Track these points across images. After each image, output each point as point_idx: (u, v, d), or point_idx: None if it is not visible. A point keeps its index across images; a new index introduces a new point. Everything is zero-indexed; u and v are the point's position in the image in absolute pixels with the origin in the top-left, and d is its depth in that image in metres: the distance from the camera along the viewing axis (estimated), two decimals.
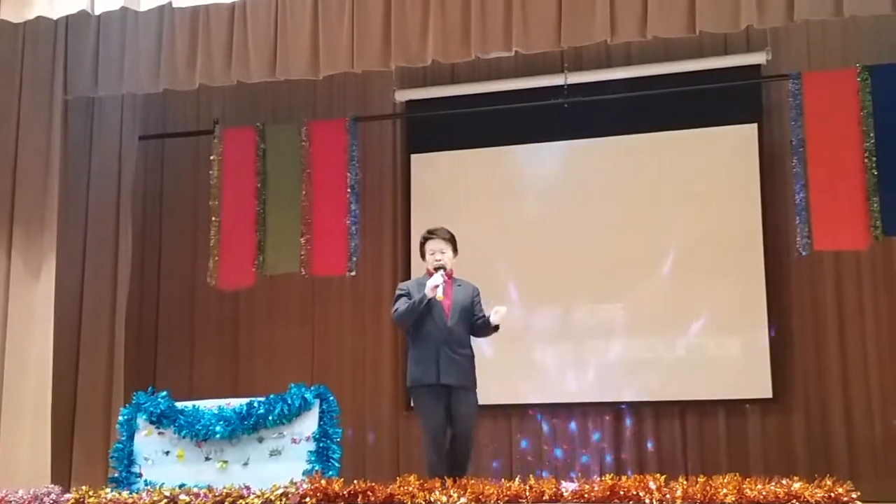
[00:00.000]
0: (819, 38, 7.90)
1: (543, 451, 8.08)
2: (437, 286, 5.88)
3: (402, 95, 8.51)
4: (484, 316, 6.07)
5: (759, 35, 7.72)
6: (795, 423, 7.67)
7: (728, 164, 7.98)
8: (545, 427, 8.12)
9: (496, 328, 6.05)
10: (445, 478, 5.38)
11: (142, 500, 5.56)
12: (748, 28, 6.78)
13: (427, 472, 5.71)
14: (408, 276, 8.41)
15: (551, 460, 8.03)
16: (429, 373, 5.92)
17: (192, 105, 8.86)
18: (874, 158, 7.05)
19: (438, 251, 6.09)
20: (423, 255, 6.18)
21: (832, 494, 4.76)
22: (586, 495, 4.95)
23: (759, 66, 7.90)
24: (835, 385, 7.64)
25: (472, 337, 6.09)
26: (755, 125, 7.95)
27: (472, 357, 6.05)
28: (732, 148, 7.98)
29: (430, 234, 6.18)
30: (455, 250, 6.16)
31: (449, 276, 6.05)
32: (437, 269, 6.01)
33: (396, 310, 6.06)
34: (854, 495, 4.78)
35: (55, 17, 6.93)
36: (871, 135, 7.09)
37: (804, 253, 7.20)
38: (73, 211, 7.77)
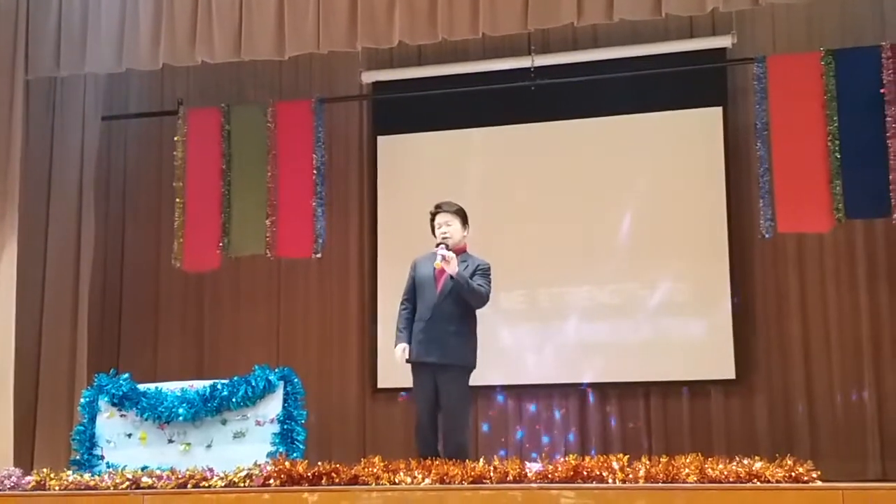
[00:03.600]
0: (784, 22, 7.95)
1: (508, 433, 8.11)
2: (440, 260, 5.87)
3: (369, 77, 8.48)
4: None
5: (725, 18, 7.75)
6: (758, 404, 7.75)
7: (693, 146, 8.02)
8: (509, 408, 8.15)
9: (461, 283, 5.87)
10: (434, 457, 5.41)
11: (104, 483, 5.51)
12: (714, 11, 6.82)
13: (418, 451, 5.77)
14: (374, 258, 8.44)
15: (515, 442, 8.06)
16: (417, 350, 5.95)
17: (155, 85, 8.77)
18: (837, 142, 7.10)
19: (445, 224, 6.05)
20: (433, 231, 6.12)
21: (793, 474, 4.80)
22: (550, 476, 4.95)
23: (724, 49, 7.94)
24: (797, 366, 7.72)
25: (470, 313, 5.99)
26: (720, 108, 8.00)
27: (465, 334, 5.95)
28: (697, 131, 8.02)
29: (436, 209, 6.13)
30: (464, 223, 6.10)
31: (457, 252, 5.98)
32: (439, 244, 5.97)
33: (402, 297, 6.12)
34: (815, 475, 4.82)
35: None
36: (835, 118, 7.13)
37: (768, 235, 7.25)
38: (35, 193, 7.68)
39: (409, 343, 5.98)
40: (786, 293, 7.82)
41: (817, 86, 7.22)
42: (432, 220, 6.13)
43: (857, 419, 7.53)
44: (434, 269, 5.97)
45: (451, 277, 5.89)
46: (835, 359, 7.68)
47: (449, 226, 6.05)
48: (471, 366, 6.01)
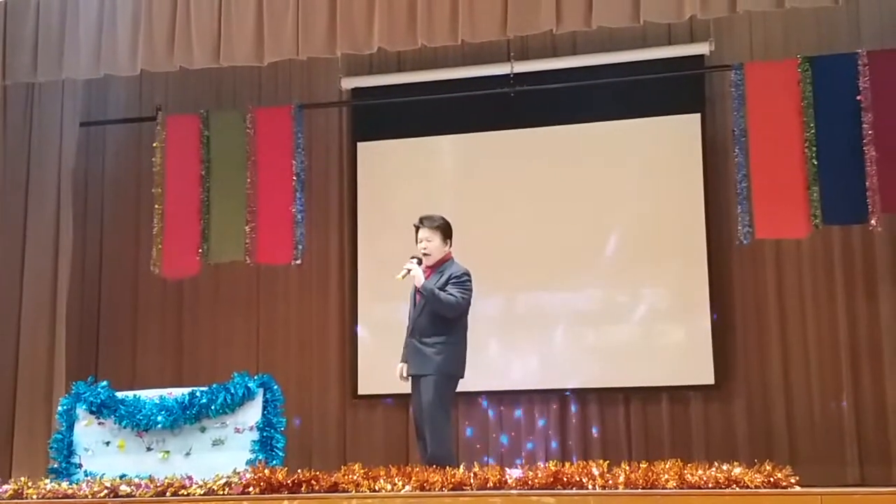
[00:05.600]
0: (761, 29, 7.98)
1: (490, 439, 8.11)
2: (405, 273, 6.01)
3: (348, 83, 8.47)
4: None
5: (703, 26, 7.78)
6: (737, 410, 7.78)
7: (671, 153, 8.05)
8: (491, 414, 8.16)
9: (428, 295, 5.94)
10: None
11: (81, 491, 5.48)
12: (692, 19, 6.85)
13: None
14: (354, 265, 8.44)
15: (497, 447, 8.07)
16: (407, 365, 6.15)
17: (134, 91, 8.73)
18: (814, 148, 7.15)
19: (425, 239, 6.12)
20: (417, 243, 6.18)
21: (772, 479, 4.83)
22: (530, 482, 4.96)
23: (702, 56, 7.97)
24: (776, 372, 7.76)
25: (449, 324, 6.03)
26: (698, 115, 8.03)
27: (443, 344, 5.97)
28: (676, 137, 8.05)
29: (418, 223, 6.18)
30: (445, 238, 6.14)
31: (439, 263, 6.08)
32: (413, 257, 6.08)
33: None
34: (793, 480, 4.86)
35: None
36: (812, 125, 7.19)
37: (746, 241, 7.29)
38: (13, 199, 7.64)
39: (406, 362, 6.21)
40: (764, 299, 7.86)
41: (794, 92, 7.27)
42: (416, 233, 6.19)
43: (835, 424, 7.57)
44: (415, 285, 6.08)
45: (421, 291, 6.00)
46: (813, 364, 7.71)
47: (429, 241, 6.10)
48: (448, 375, 6.01)
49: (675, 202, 7.97)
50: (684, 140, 8.01)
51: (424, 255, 6.09)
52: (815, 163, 7.14)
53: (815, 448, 7.55)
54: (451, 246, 6.19)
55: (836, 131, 7.13)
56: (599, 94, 8.00)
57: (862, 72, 7.12)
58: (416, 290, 6.09)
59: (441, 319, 5.99)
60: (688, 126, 8.02)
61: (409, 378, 6.13)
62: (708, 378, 7.78)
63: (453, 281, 6.03)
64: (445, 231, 6.15)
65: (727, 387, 7.81)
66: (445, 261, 6.13)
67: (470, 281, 6.08)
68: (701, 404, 7.83)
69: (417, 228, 6.16)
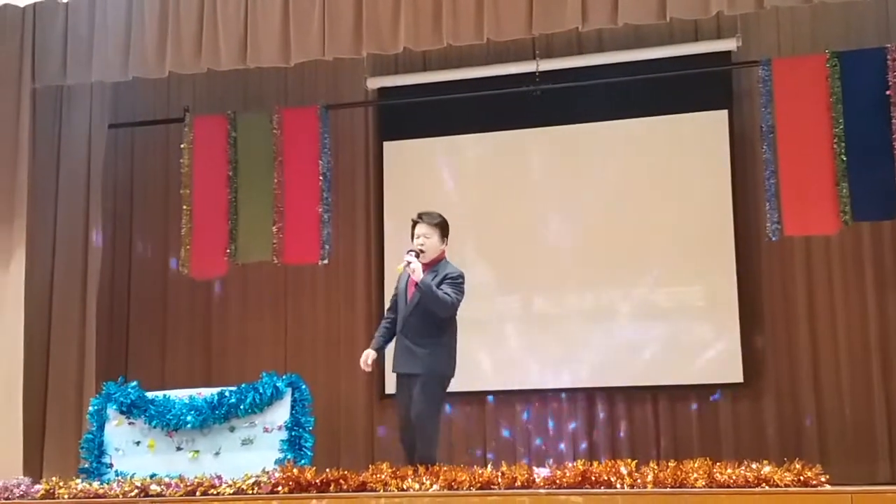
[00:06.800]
0: (789, 24, 7.93)
1: (519, 439, 8.09)
2: (405, 265, 5.99)
3: (374, 83, 8.49)
4: None
5: (730, 21, 7.74)
6: (766, 408, 7.73)
7: (698, 150, 8.01)
8: (523, 415, 8.13)
9: (424, 291, 5.90)
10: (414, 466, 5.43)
11: (112, 491, 5.54)
12: (718, 14, 6.80)
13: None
14: (381, 265, 8.44)
15: (525, 448, 8.04)
16: (394, 362, 6.11)
17: (162, 93, 8.79)
18: (843, 144, 7.08)
19: (423, 235, 6.09)
20: (412, 239, 6.17)
21: (801, 478, 4.80)
22: (558, 481, 4.96)
23: (729, 52, 7.93)
24: (805, 369, 7.70)
25: (441, 324, 6.02)
26: (726, 111, 7.98)
27: (437, 345, 5.97)
28: (703, 134, 8.01)
29: (417, 218, 6.18)
30: (443, 236, 6.13)
31: (434, 262, 6.06)
32: (410, 250, 6.04)
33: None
34: (823, 478, 4.83)
35: (23, 5, 6.88)
36: (840, 120, 7.12)
37: (774, 238, 7.24)
38: (43, 201, 7.69)
39: (376, 351, 6.18)
40: (793, 296, 7.81)
41: (823, 88, 7.21)
42: (412, 227, 6.17)
43: (866, 422, 7.50)
44: (406, 282, 6.07)
45: (416, 286, 5.95)
46: (843, 361, 7.65)
47: (427, 238, 6.08)
48: (442, 375, 6.01)
49: (703, 199, 7.93)
50: (712, 137, 7.97)
51: (421, 251, 6.05)
52: (844, 158, 7.07)
53: (845, 446, 7.49)
54: (447, 245, 6.18)
55: (865, 127, 7.06)
56: (625, 92, 7.96)
57: (891, 66, 7.03)
58: (407, 286, 6.05)
59: (432, 319, 5.96)
60: (715, 123, 7.98)
61: (397, 374, 6.11)
62: (737, 376, 7.74)
63: (448, 281, 6.01)
64: (444, 229, 6.14)
65: (756, 385, 7.76)
66: (440, 259, 6.12)
67: (464, 283, 6.08)
68: (730, 402, 7.78)
69: (415, 223, 6.15)
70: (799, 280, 7.80)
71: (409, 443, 5.97)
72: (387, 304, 8.20)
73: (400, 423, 6.13)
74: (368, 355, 6.12)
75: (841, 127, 7.12)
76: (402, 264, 6.02)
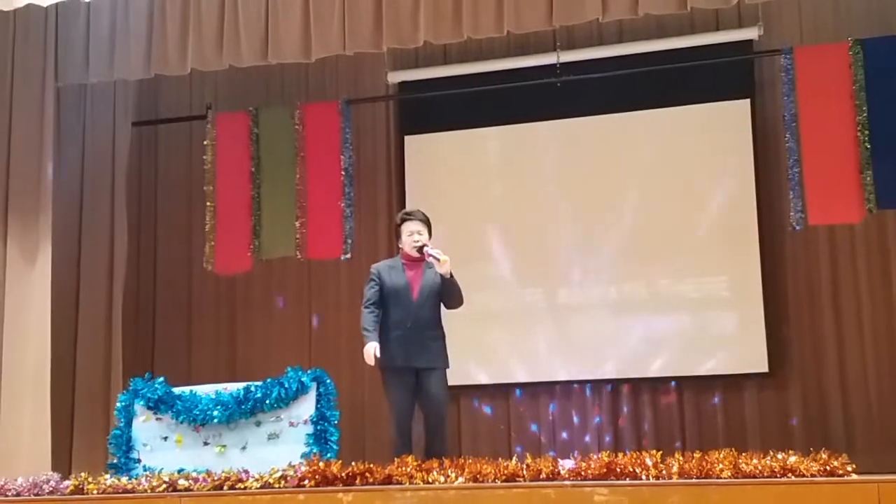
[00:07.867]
0: (810, 12, 7.88)
1: (547, 431, 8.09)
2: (434, 258, 5.99)
3: (395, 77, 8.50)
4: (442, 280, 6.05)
5: (751, 10, 7.70)
6: (791, 397, 7.70)
7: (721, 140, 7.97)
8: (549, 408, 8.12)
9: (453, 283, 6.00)
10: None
11: (141, 486, 5.57)
12: (739, 3, 6.76)
13: (393, 454, 5.71)
14: None
15: (550, 441, 8.04)
16: (397, 355, 6.01)
17: (184, 90, 8.84)
18: (867, 132, 7.05)
19: (416, 232, 6.13)
20: (398, 236, 6.23)
21: (828, 468, 4.79)
22: (583, 473, 4.96)
23: (751, 41, 7.89)
24: (830, 358, 7.67)
25: (444, 313, 6.11)
26: (748, 101, 7.94)
27: (443, 337, 6.08)
28: (725, 124, 7.97)
29: (407, 216, 6.23)
30: (430, 233, 6.21)
31: (421, 259, 6.13)
32: (419, 249, 6.08)
33: (365, 302, 6.18)
34: (850, 468, 4.81)
35: (45, 5, 6.91)
36: (864, 108, 7.08)
37: (798, 227, 7.21)
38: (68, 198, 7.76)
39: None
40: (818, 284, 7.77)
41: (846, 76, 7.17)
42: (399, 226, 6.23)
43: (892, 411, 7.45)
44: (408, 277, 6.08)
45: (442, 278, 6.00)
46: (868, 349, 7.61)
47: (420, 234, 6.14)
48: (448, 367, 6.12)
49: (726, 189, 7.90)
50: (734, 126, 7.93)
51: (420, 245, 6.11)
52: (868, 146, 7.03)
53: (871, 435, 7.44)
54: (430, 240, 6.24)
55: (889, 114, 7.01)
56: (647, 82, 7.93)
57: None
58: (410, 283, 6.06)
59: (438, 313, 6.08)
60: (737, 112, 7.94)
61: (400, 367, 6.02)
62: (762, 366, 7.71)
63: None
64: (429, 226, 6.23)
65: (781, 374, 7.73)
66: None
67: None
68: (755, 392, 7.76)
69: (402, 222, 6.21)
70: (823, 269, 7.76)
71: (408, 436, 5.99)
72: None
73: (398, 416, 6.04)
74: (376, 348, 6.02)
75: (864, 115, 7.08)
76: (443, 256, 5.99)
